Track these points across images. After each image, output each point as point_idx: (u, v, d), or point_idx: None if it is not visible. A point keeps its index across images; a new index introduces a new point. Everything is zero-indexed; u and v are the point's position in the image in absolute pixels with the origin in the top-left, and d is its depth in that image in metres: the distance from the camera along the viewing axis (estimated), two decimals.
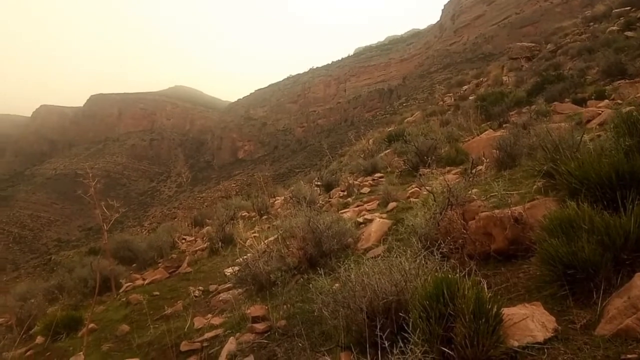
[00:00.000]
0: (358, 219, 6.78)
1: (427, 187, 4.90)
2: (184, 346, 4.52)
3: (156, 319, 5.98)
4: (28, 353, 6.18)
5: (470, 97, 23.44)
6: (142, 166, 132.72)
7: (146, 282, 8.74)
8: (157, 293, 7.44)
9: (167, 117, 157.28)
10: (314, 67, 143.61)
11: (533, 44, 28.13)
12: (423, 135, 11.23)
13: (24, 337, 6.45)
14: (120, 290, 8.63)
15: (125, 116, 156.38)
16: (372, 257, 4.33)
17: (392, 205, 7.07)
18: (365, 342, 2.86)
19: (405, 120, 26.08)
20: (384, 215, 6.55)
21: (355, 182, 11.14)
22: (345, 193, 10.55)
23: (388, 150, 14.13)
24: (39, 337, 6.64)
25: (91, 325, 6.26)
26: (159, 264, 10.32)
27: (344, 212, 7.78)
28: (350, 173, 13.32)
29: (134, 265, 11.11)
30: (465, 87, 30.66)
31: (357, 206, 8.38)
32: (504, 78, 23.93)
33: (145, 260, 11.02)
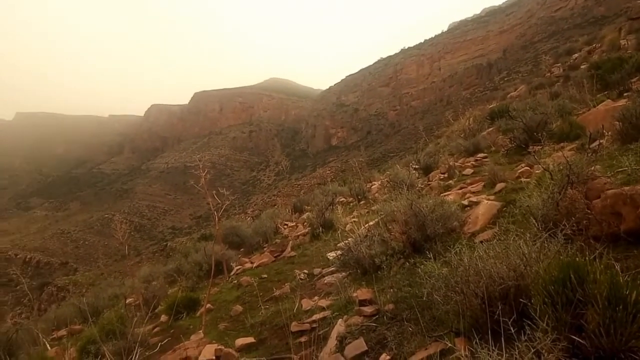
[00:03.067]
0: (462, 202, 6.48)
1: (543, 165, 4.53)
2: (294, 327, 4.67)
3: (266, 300, 6.25)
4: (155, 330, 6.77)
5: (582, 66, 21.36)
6: (243, 157, 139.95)
7: (254, 265, 9.19)
8: (265, 276, 7.77)
9: (264, 109, 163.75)
10: (406, 47, 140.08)
11: None
12: (531, 110, 10.43)
13: (150, 315, 7.06)
14: (232, 273, 9.16)
15: (226, 110, 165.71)
16: (482, 241, 4.13)
17: (499, 186, 6.67)
18: (481, 328, 2.75)
19: (509, 96, 24.54)
20: (492, 197, 6.19)
21: (456, 164, 10.70)
22: (446, 175, 10.18)
23: (491, 129, 13.34)
24: (163, 315, 7.24)
25: (208, 305, 6.71)
26: (265, 249, 10.81)
27: (446, 195, 7.50)
28: (450, 154, 12.84)
29: (242, 249, 11.76)
30: (576, 55, 27.95)
31: (460, 188, 8.03)
32: (622, 42, 21.35)
33: (252, 245, 11.63)
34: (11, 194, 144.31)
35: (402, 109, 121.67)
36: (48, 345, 7.30)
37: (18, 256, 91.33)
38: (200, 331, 5.60)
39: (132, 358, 5.20)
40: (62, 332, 8.96)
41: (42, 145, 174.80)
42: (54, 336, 8.84)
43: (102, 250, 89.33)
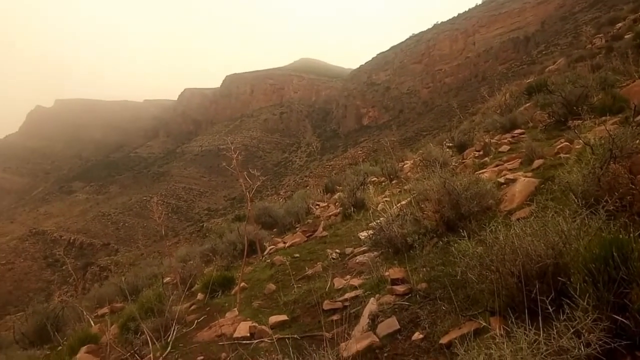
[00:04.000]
0: (499, 179, 6.31)
1: (583, 140, 4.33)
2: (327, 305, 4.70)
3: (299, 279, 6.31)
4: (192, 308, 6.94)
5: (626, 36, 20.22)
6: (274, 139, 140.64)
7: (287, 245, 9.28)
8: (298, 255, 7.83)
9: (295, 90, 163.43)
10: (438, 22, 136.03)
11: None
12: (571, 84, 9.99)
13: (187, 293, 7.25)
14: (265, 253, 9.29)
15: (257, 93, 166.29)
16: (519, 219, 4.00)
17: (537, 162, 6.44)
18: (517, 307, 2.68)
19: (547, 70, 23.64)
20: (529, 174, 5.99)
21: (492, 141, 10.41)
22: (481, 153, 9.93)
23: (528, 104, 12.88)
24: (199, 294, 7.43)
25: (242, 284, 6.83)
26: (297, 229, 10.89)
27: (482, 173, 7.32)
28: (485, 131, 12.50)
29: (275, 229, 11.90)
30: (619, 24, 26.41)
31: (496, 166, 7.82)
32: None
33: (284, 225, 11.75)
34: (54, 178, 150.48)
35: (435, 86, 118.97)
36: (92, 322, 7.64)
37: (63, 238, 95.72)
38: (235, 309, 5.72)
39: (169, 335, 5.38)
40: (104, 309, 9.35)
41: (81, 131, 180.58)
42: (96, 313, 9.23)
43: (141, 232, 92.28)
